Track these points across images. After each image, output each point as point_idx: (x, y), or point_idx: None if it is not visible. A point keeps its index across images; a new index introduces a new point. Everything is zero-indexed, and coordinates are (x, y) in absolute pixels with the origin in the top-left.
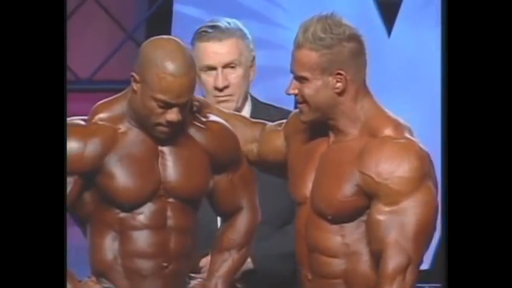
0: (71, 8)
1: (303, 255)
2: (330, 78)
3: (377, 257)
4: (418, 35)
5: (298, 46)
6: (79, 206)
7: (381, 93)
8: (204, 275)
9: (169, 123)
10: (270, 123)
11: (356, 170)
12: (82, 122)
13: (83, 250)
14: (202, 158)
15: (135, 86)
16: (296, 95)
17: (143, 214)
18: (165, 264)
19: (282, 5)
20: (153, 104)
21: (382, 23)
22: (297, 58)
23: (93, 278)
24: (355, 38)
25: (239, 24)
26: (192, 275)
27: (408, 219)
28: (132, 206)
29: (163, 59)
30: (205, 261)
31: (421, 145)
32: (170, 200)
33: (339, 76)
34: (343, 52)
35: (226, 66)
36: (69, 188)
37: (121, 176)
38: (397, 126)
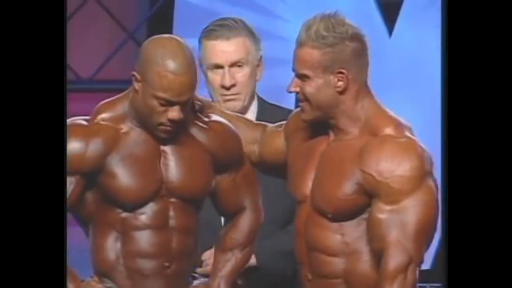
0: (72, 8)
1: (302, 254)
2: (332, 77)
3: (377, 256)
4: (419, 35)
5: (300, 44)
6: (81, 206)
7: (382, 93)
8: (203, 269)
9: (171, 122)
10: (271, 125)
11: (357, 169)
12: (84, 122)
13: (83, 250)
14: (204, 158)
15: (136, 85)
16: (297, 93)
17: (145, 214)
18: (167, 264)
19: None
20: (155, 102)
21: (383, 23)
22: (299, 56)
23: (96, 278)
24: (357, 37)
25: (247, 22)
26: (195, 274)
27: (409, 218)
28: (134, 206)
29: (164, 58)
30: (208, 254)
31: (422, 144)
32: (172, 200)
33: (340, 75)
34: (345, 51)
35: (233, 64)
36: (71, 188)
37: (123, 176)
38: (398, 125)
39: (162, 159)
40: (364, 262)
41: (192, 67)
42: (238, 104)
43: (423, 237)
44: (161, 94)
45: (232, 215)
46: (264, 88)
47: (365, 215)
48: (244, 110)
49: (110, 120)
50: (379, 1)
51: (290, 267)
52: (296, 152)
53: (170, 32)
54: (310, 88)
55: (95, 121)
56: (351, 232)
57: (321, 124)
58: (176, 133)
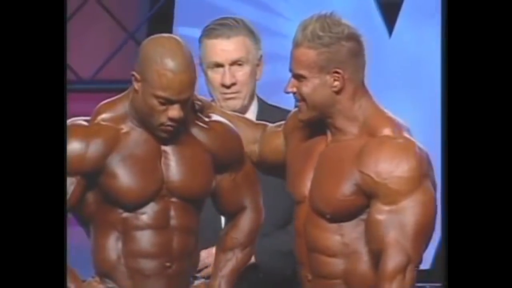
0: (72, 9)
1: (302, 254)
2: (328, 77)
3: (376, 257)
4: (419, 35)
5: (296, 44)
6: (82, 206)
7: (382, 93)
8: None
9: (172, 121)
10: (271, 124)
11: (355, 170)
12: (85, 123)
13: (83, 250)
14: (205, 158)
15: (136, 85)
16: (294, 93)
17: (146, 214)
18: (168, 264)
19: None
20: (155, 101)
21: (383, 23)
22: (296, 56)
23: (97, 278)
24: (354, 37)
25: (248, 22)
26: (196, 275)
27: (407, 218)
28: (135, 206)
29: (162, 56)
30: (205, 253)
31: (420, 145)
32: (173, 200)
33: (336, 74)
34: (341, 51)
35: (233, 63)
36: (71, 188)
37: (124, 176)
38: (396, 125)
39: (162, 159)
40: (364, 263)
41: (191, 66)
42: (238, 103)
43: (421, 237)
44: (160, 93)
45: (233, 215)
46: (266, 83)
47: (363, 216)
48: (244, 109)
49: (111, 121)
50: (379, 1)
51: (289, 267)
52: (294, 152)
53: (171, 32)
54: (306, 88)
55: (96, 121)
56: (350, 233)
57: (319, 124)
58: (177, 133)
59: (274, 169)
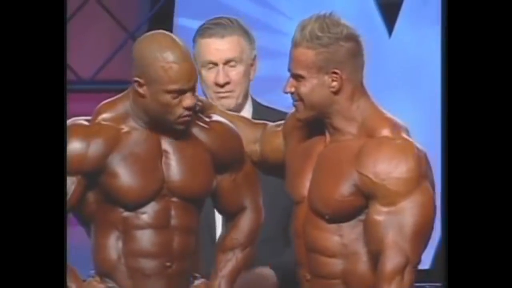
0: (73, 9)
1: (301, 255)
2: (326, 77)
3: (375, 257)
4: (419, 35)
5: (295, 44)
6: (83, 206)
7: (382, 93)
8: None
9: (188, 109)
10: (271, 124)
11: (354, 170)
12: (85, 123)
13: (83, 250)
14: (205, 158)
15: (141, 90)
16: (292, 93)
17: (147, 214)
18: (168, 264)
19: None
20: (167, 97)
21: (382, 23)
22: (294, 56)
23: (97, 278)
24: (352, 38)
25: (242, 22)
26: (196, 274)
27: (406, 219)
28: (136, 206)
29: (161, 52)
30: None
31: (418, 146)
32: (174, 199)
33: (335, 75)
34: (340, 52)
35: (227, 62)
36: (72, 188)
37: (124, 176)
38: (395, 126)
39: (163, 158)
40: (363, 263)
41: (188, 52)
42: (231, 102)
43: (420, 238)
44: (172, 87)
45: (233, 215)
46: (265, 79)
47: (362, 217)
48: (238, 108)
49: (111, 120)
50: (379, 1)
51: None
52: (293, 152)
53: (171, 32)
54: (304, 88)
55: (96, 121)
56: (349, 233)
57: (318, 124)
58: (178, 133)
59: (275, 169)
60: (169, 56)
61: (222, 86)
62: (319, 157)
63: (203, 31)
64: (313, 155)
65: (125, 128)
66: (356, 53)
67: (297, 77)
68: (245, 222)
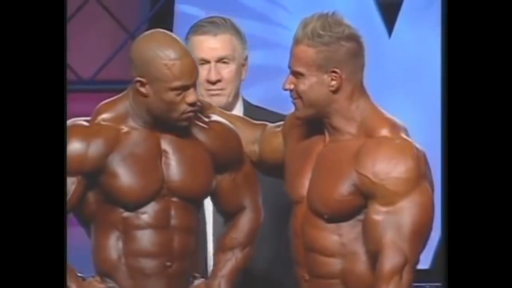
0: (73, 9)
1: (300, 254)
2: (326, 76)
3: (374, 257)
4: (419, 35)
5: (296, 41)
6: (83, 206)
7: (382, 93)
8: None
9: (191, 105)
10: (270, 124)
11: (353, 170)
12: (85, 123)
13: (83, 250)
14: (205, 158)
15: (143, 89)
16: (291, 90)
17: (147, 214)
18: (168, 264)
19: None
20: (171, 95)
21: (382, 24)
22: (295, 53)
23: (97, 278)
24: (354, 38)
25: (235, 22)
26: (196, 274)
27: (404, 219)
28: (136, 205)
29: (162, 50)
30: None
31: (418, 146)
32: (174, 199)
33: (334, 74)
34: (340, 51)
35: (219, 60)
36: (72, 188)
37: (124, 176)
38: (394, 126)
39: (163, 158)
40: (361, 263)
41: (188, 49)
42: (222, 100)
43: (418, 238)
44: (177, 83)
45: (233, 215)
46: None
47: (361, 216)
48: (229, 107)
49: (111, 120)
50: (379, 2)
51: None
52: (293, 152)
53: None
54: (303, 85)
55: (96, 121)
56: (348, 233)
57: (317, 124)
58: (177, 133)
59: (274, 170)
60: (171, 53)
61: (213, 83)
62: (318, 157)
63: (196, 29)
64: (312, 155)
65: (124, 128)
66: (356, 54)
67: (296, 74)
68: (245, 221)
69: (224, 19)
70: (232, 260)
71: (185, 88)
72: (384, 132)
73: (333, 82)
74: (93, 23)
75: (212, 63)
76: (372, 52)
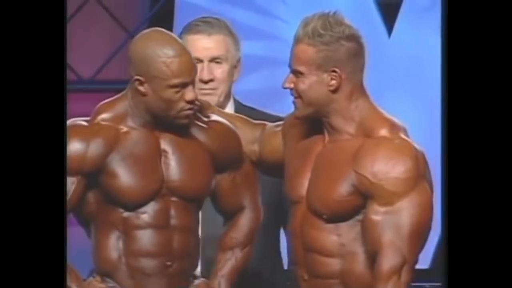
0: (73, 9)
1: (298, 254)
2: (325, 75)
3: (372, 257)
4: (419, 35)
5: (297, 40)
6: (83, 206)
7: (382, 93)
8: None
9: (190, 103)
10: (270, 124)
11: (352, 170)
12: (84, 123)
13: (83, 250)
14: (204, 157)
15: (142, 88)
16: (291, 89)
17: (147, 213)
18: (169, 263)
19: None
20: (170, 92)
21: (382, 24)
22: (295, 52)
23: (98, 278)
24: (354, 38)
25: (229, 24)
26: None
27: (403, 219)
28: (136, 205)
29: (160, 48)
30: None
31: (417, 146)
32: (173, 199)
33: (333, 73)
34: (340, 51)
35: (212, 60)
36: (72, 188)
37: (124, 175)
38: (393, 126)
39: (162, 158)
40: (360, 263)
41: (186, 46)
42: (213, 99)
43: (417, 238)
44: (176, 81)
45: (232, 215)
46: (263, 88)
47: (360, 217)
48: (220, 106)
49: (110, 120)
50: (379, 1)
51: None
52: (292, 152)
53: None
54: (303, 84)
55: (95, 121)
56: (347, 233)
57: (316, 124)
58: (177, 133)
59: (274, 169)
60: (169, 51)
61: (206, 82)
62: (317, 157)
63: (190, 28)
64: (311, 155)
65: (124, 128)
66: (356, 54)
67: (296, 73)
68: (245, 221)
69: (218, 19)
70: (232, 259)
71: (183, 86)
72: (383, 132)
73: (333, 82)
74: (93, 23)
75: (205, 63)
76: (372, 52)
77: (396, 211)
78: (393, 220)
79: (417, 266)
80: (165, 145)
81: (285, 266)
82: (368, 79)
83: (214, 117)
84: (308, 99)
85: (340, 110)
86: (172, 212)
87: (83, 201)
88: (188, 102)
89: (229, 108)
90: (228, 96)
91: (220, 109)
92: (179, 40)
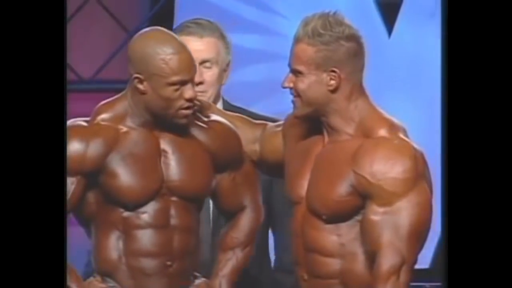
0: (73, 8)
1: (299, 255)
2: (324, 75)
3: (371, 257)
4: (419, 35)
5: (297, 39)
6: (83, 206)
7: (381, 93)
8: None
9: (189, 101)
10: (271, 123)
11: (351, 171)
12: (84, 123)
13: (83, 250)
14: (204, 157)
15: (141, 86)
16: (290, 88)
17: (147, 213)
18: (169, 263)
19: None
20: (169, 90)
21: (382, 24)
22: (295, 51)
23: (98, 278)
24: (354, 38)
25: (221, 27)
26: (197, 274)
27: (402, 219)
28: (136, 205)
29: (160, 45)
30: None
31: (416, 146)
32: (173, 199)
33: (333, 73)
34: (340, 51)
35: (202, 62)
36: (72, 188)
37: (124, 175)
38: (392, 126)
39: (162, 158)
40: (360, 263)
41: (185, 44)
42: None
43: (416, 238)
44: (175, 78)
45: (233, 214)
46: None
47: (359, 217)
48: None
49: (110, 120)
50: (379, 1)
51: None
52: (292, 152)
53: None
54: (302, 84)
55: (95, 121)
56: (347, 233)
57: (316, 124)
58: (177, 133)
59: (275, 169)
60: (169, 48)
61: (195, 85)
62: (317, 158)
63: (182, 29)
64: (311, 156)
65: (124, 128)
66: (356, 54)
67: (296, 72)
68: (245, 221)
69: (210, 21)
70: (233, 259)
71: (182, 83)
72: (382, 132)
73: (332, 82)
74: (93, 23)
75: (196, 65)
76: (372, 52)
77: (395, 211)
78: (392, 220)
79: (417, 266)
80: (164, 145)
81: (272, 266)
82: (368, 79)
83: (214, 117)
84: (307, 99)
85: (339, 110)
86: (172, 212)
87: (83, 201)
88: (187, 100)
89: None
90: (217, 97)
91: (221, 109)
92: (179, 39)
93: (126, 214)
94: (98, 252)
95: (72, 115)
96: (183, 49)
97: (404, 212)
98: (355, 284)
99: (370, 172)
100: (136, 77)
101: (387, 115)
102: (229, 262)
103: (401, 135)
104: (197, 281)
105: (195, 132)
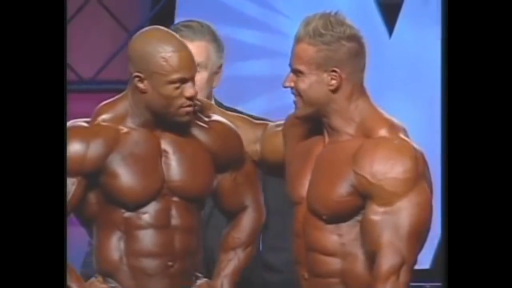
0: (74, 9)
1: (300, 254)
2: (325, 75)
3: (372, 257)
4: (419, 36)
5: (298, 39)
6: (84, 207)
7: (382, 94)
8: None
9: (189, 99)
10: (271, 123)
11: (351, 171)
12: (85, 124)
13: (83, 250)
14: (205, 157)
15: (142, 85)
16: (291, 88)
17: (148, 214)
18: (170, 263)
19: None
20: (170, 88)
21: (383, 24)
22: (296, 51)
23: (99, 278)
24: (355, 38)
25: (213, 29)
26: (198, 274)
27: (402, 220)
28: (137, 205)
29: (160, 44)
30: None
31: (416, 146)
32: (174, 199)
33: (334, 73)
34: (341, 51)
35: None
36: (72, 189)
37: (125, 176)
38: (392, 126)
39: (163, 158)
40: (361, 262)
41: (185, 43)
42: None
43: (416, 238)
44: (175, 76)
45: (234, 214)
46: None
47: (360, 217)
48: None
49: (111, 121)
50: (379, 2)
51: None
52: (293, 152)
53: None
54: (303, 84)
55: (96, 122)
56: (348, 233)
57: (317, 124)
58: (177, 133)
59: (276, 169)
60: (169, 46)
61: None
62: (317, 158)
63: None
64: (312, 156)
65: (124, 129)
66: (357, 54)
67: (296, 72)
68: (247, 221)
69: (201, 24)
70: (235, 259)
71: (183, 81)
72: (383, 132)
73: (333, 81)
74: (93, 23)
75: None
76: (373, 52)
77: (395, 211)
78: (392, 220)
79: (418, 266)
80: (165, 145)
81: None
82: (369, 79)
83: (215, 117)
84: (308, 99)
85: (340, 110)
86: (173, 212)
87: (84, 202)
88: (188, 98)
89: None
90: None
91: (221, 109)
92: (178, 37)
93: (127, 214)
94: (99, 253)
95: (73, 115)
96: (183, 47)
97: (404, 212)
98: (355, 284)
99: (370, 172)
100: (137, 76)
101: (387, 115)
102: (231, 262)
103: (402, 135)
104: (199, 282)
105: (196, 132)
